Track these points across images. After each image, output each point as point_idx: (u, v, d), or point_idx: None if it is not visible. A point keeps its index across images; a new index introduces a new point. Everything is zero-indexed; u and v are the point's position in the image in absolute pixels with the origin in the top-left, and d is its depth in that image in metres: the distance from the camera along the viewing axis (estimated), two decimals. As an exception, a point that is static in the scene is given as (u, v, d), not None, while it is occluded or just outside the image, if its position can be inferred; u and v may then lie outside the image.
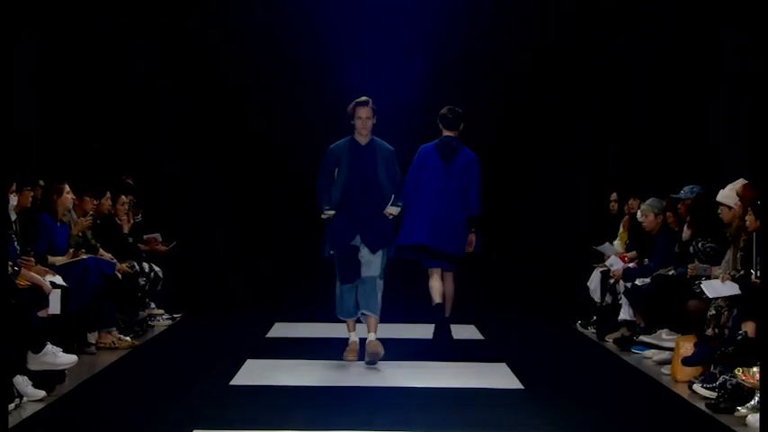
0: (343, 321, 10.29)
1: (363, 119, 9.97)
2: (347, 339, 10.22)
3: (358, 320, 10.26)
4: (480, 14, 14.27)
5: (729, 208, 9.26)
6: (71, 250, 10.29)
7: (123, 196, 12.16)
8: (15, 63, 11.65)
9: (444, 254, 10.60)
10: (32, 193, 10.10)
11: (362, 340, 9.98)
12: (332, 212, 10.01)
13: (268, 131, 14.73)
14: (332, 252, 10.12)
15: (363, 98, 9.97)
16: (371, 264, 10.03)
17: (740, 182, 9.20)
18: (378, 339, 9.90)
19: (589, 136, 14.56)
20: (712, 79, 13.08)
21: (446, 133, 10.73)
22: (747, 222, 8.69)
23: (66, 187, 10.42)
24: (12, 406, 7.83)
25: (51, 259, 9.80)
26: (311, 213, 10.96)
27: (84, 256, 10.41)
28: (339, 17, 14.25)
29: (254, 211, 14.74)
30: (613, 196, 12.78)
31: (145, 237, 12.70)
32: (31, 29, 12.70)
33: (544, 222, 14.61)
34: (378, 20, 14.29)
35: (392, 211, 10.14)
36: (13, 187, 9.76)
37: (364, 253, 10.04)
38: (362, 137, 10.09)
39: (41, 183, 10.39)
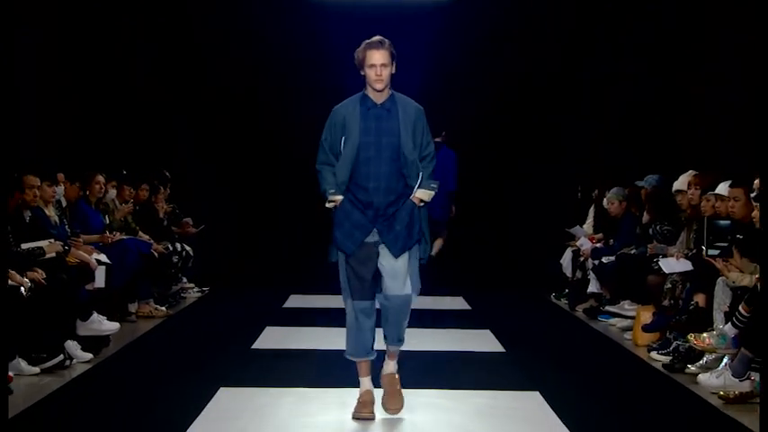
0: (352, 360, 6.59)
1: (378, 66, 6.28)
2: (358, 387, 6.56)
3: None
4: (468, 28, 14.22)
5: (684, 194, 9.35)
6: (107, 232, 10.40)
7: (161, 186, 12.25)
8: (58, 65, 11.64)
9: (431, 218, 10.77)
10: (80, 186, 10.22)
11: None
12: (338, 198, 6.38)
13: (276, 126, 14.69)
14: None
15: (377, 38, 6.39)
16: (397, 275, 6.39)
17: (691, 172, 9.26)
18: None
19: (564, 137, 14.55)
20: (682, 83, 13.09)
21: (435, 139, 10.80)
22: (702, 207, 8.73)
23: (100, 178, 10.48)
24: (61, 361, 7.94)
25: (85, 238, 9.80)
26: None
27: (124, 237, 10.52)
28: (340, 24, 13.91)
29: (269, 198, 14.74)
30: (580, 187, 12.89)
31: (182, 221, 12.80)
32: (50, 31, 12.55)
33: (525, 210, 14.63)
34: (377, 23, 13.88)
35: (421, 195, 6.45)
36: (62, 177, 9.86)
37: (385, 258, 6.41)
38: (378, 92, 6.38)
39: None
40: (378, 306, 6.55)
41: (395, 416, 6.45)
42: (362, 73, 6.41)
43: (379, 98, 6.43)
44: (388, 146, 6.39)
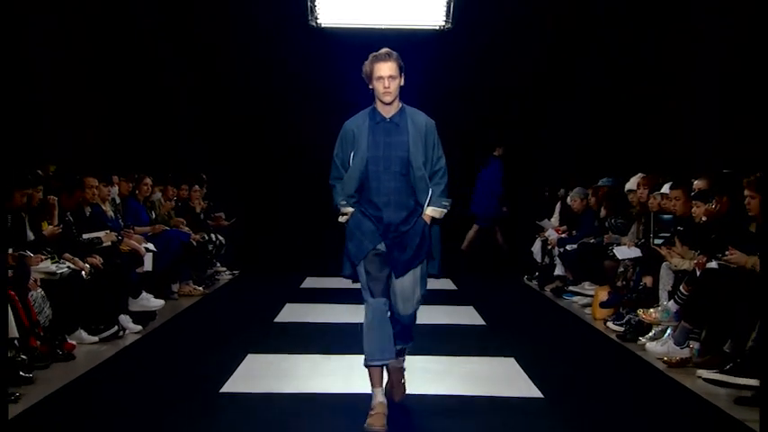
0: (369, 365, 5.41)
1: (386, 78, 5.28)
2: (370, 398, 5.41)
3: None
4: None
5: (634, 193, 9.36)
6: (155, 225, 10.40)
7: (197, 186, 12.25)
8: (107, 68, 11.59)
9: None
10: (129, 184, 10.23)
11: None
12: (350, 210, 5.46)
13: (292, 136, 14.55)
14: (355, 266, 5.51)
15: (384, 50, 5.36)
16: (407, 295, 5.48)
17: (640, 175, 9.27)
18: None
19: (534, 148, 14.52)
20: (633, 100, 13.08)
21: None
22: (650, 204, 8.73)
23: (148, 180, 10.49)
24: (116, 332, 7.95)
25: (138, 229, 9.80)
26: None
27: (168, 228, 10.53)
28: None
29: (289, 196, 14.70)
30: (547, 187, 12.90)
31: (212, 215, 12.79)
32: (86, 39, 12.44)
33: (503, 206, 14.64)
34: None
35: (432, 213, 5.41)
36: (116, 178, 9.87)
37: (392, 276, 5.47)
38: (387, 105, 5.39)
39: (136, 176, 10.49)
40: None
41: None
42: (371, 86, 5.39)
43: (388, 112, 5.42)
44: (397, 160, 5.37)
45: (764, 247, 5.11)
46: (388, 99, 5.35)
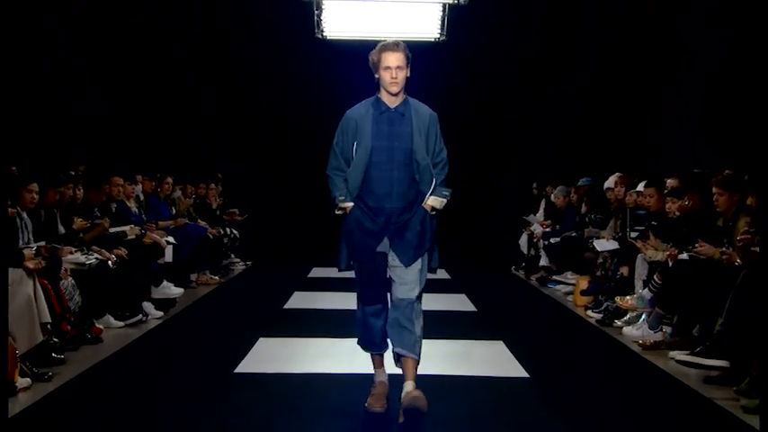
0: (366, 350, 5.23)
1: (393, 69, 4.84)
2: (372, 378, 5.21)
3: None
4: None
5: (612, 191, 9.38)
6: (177, 219, 10.42)
7: (213, 184, 12.27)
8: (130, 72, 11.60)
9: None
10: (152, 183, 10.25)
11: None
12: (348, 204, 4.95)
13: (297, 140, 14.42)
14: (351, 263, 5.12)
15: (392, 40, 4.96)
16: (406, 281, 4.97)
17: (618, 174, 9.27)
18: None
19: (521, 150, 14.49)
20: (610, 108, 13.07)
21: None
22: (626, 201, 8.72)
23: (169, 179, 10.50)
24: (140, 318, 7.98)
25: (161, 224, 9.81)
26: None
27: (188, 222, 10.55)
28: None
29: (296, 194, 14.66)
30: (534, 184, 12.89)
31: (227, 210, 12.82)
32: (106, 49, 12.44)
33: (494, 204, 14.61)
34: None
35: (433, 203, 4.96)
36: (140, 178, 9.88)
37: (395, 266, 4.99)
38: (392, 96, 4.92)
39: (158, 175, 10.51)
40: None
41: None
42: (377, 76, 4.93)
43: (392, 102, 4.94)
44: (401, 150, 4.91)
45: (764, 243, 5.01)
46: (394, 89, 4.90)
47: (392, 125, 4.93)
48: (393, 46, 4.88)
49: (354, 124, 4.94)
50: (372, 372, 5.25)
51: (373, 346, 5.12)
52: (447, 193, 4.99)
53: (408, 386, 4.89)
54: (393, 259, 4.96)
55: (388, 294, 5.07)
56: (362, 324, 5.10)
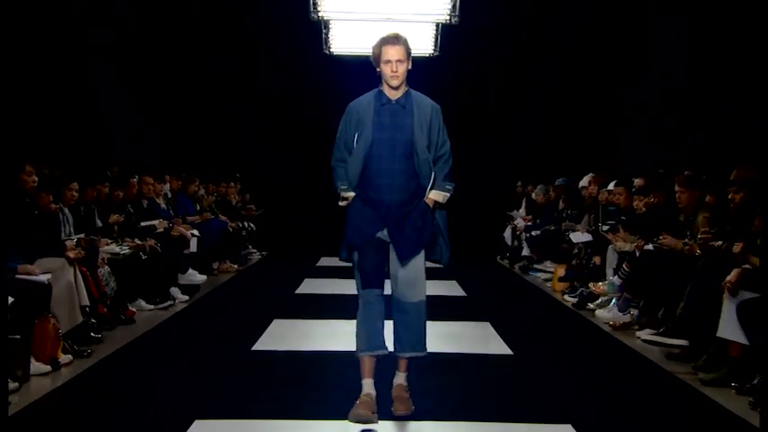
0: (362, 355, 4.48)
1: (393, 62, 4.36)
2: (360, 387, 4.46)
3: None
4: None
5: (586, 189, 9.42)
6: (202, 214, 10.46)
7: (233, 183, 12.30)
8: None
9: None
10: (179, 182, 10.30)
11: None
12: (350, 194, 4.46)
13: (309, 139, 14.32)
14: (351, 254, 4.52)
15: (393, 33, 4.45)
16: (410, 281, 4.41)
17: (591, 174, 9.29)
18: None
19: (503, 154, 14.44)
20: (583, 114, 13.07)
21: None
22: (599, 198, 8.74)
23: (196, 180, 10.55)
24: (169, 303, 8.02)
25: (189, 218, 9.88)
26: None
27: (210, 217, 10.59)
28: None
29: (305, 191, 14.64)
30: (519, 183, 12.91)
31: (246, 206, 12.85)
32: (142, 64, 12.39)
33: (482, 201, 14.55)
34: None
35: (435, 197, 4.44)
36: (168, 177, 9.91)
37: (395, 264, 4.44)
38: (393, 89, 4.43)
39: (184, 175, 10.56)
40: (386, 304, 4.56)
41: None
42: (378, 70, 4.45)
43: (394, 95, 4.44)
44: (402, 142, 4.38)
45: (765, 242, 4.99)
46: (395, 83, 4.40)
47: (394, 117, 4.42)
48: (393, 39, 4.41)
49: (356, 116, 4.46)
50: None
51: (374, 345, 4.41)
52: (450, 188, 4.47)
53: (399, 378, 4.55)
54: (393, 253, 4.42)
55: (389, 295, 4.52)
56: (363, 318, 4.44)
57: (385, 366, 4.65)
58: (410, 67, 4.41)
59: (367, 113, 4.42)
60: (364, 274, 4.44)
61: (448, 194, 4.46)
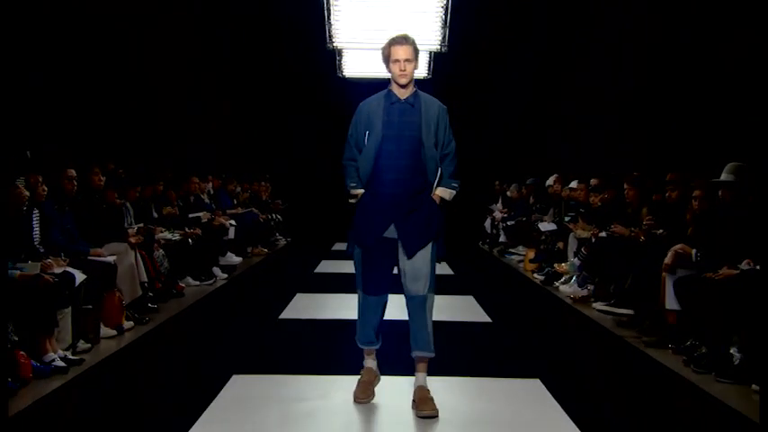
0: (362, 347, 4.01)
1: (402, 62, 3.75)
2: (361, 365, 4.04)
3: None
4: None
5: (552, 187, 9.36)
6: (238, 207, 10.45)
7: (264, 182, 12.27)
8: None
9: None
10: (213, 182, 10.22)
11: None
12: (360, 191, 3.85)
13: (325, 148, 14.42)
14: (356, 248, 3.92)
15: (401, 34, 3.82)
16: (417, 275, 3.79)
17: (556, 175, 9.22)
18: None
19: (481, 158, 14.38)
20: (548, 119, 12.99)
21: None
22: (563, 194, 8.66)
23: (234, 181, 10.50)
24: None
25: (229, 212, 9.83)
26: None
27: (243, 211, 10.58)
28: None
29: (321, 189, 14.53)
30: (497, 182, 12.86)
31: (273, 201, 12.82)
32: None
33: (467, 196, 14.44)
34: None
35: (441, 194, 3.83)
36: (210, 177, 9.86)
37: (403, 258, 3.80)
38: (401, 88, 3.81)
39: (223, 176, 10.51)
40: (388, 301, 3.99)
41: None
42: (387, 69, 3.84)
43: (403, 94, 3.83)
44: (409, 139, 3.77)
45: (764, 247, 4.97)
46: (403, 81, 3.80)
47: (402, 115, 3.82)
48: (402, 39, 3.80)
49: (366, 115, 3.86)
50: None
51: (367, 342, 3.95)
52: (456, 185, 3.88)
53: (420, 379, 3.87)
54: (401, 248, 3.79)
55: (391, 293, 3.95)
56: (361, 315, 3.94)
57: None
58: (417, 67, 3.85)
59: (376, 112, 3.83)
60: (368, 277, 3.85)
61: (454, 192, 3.87)
